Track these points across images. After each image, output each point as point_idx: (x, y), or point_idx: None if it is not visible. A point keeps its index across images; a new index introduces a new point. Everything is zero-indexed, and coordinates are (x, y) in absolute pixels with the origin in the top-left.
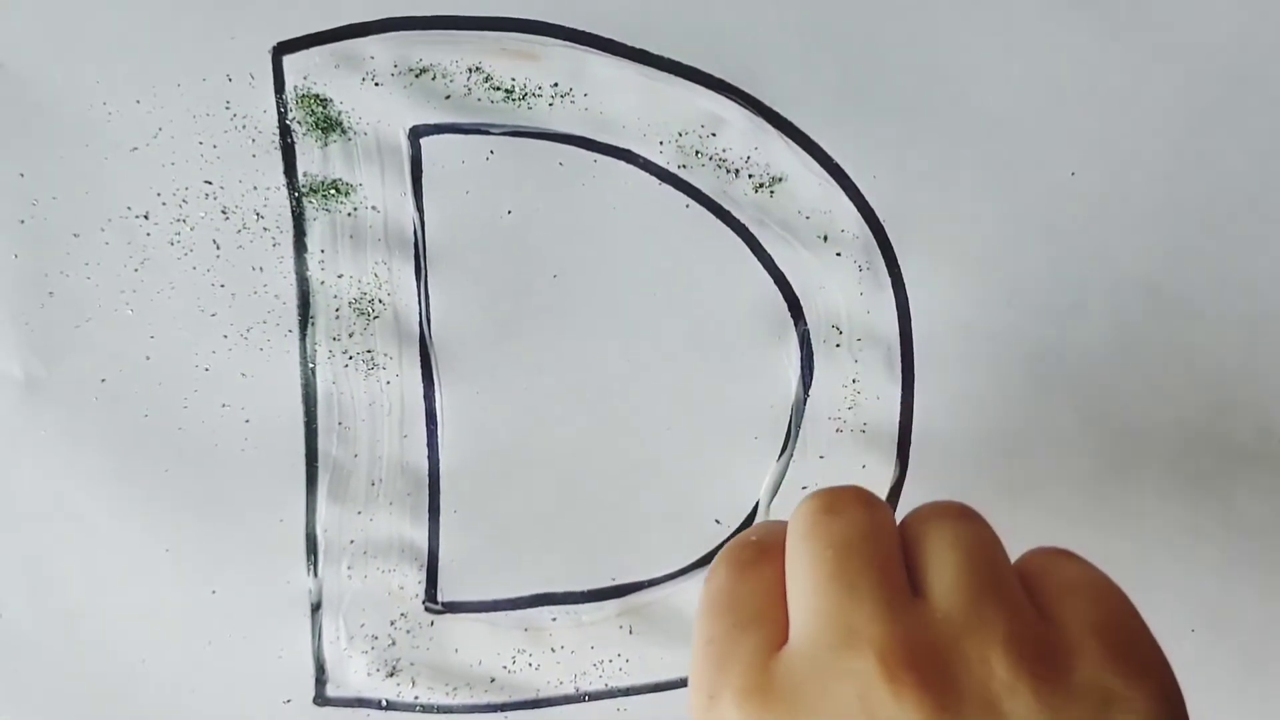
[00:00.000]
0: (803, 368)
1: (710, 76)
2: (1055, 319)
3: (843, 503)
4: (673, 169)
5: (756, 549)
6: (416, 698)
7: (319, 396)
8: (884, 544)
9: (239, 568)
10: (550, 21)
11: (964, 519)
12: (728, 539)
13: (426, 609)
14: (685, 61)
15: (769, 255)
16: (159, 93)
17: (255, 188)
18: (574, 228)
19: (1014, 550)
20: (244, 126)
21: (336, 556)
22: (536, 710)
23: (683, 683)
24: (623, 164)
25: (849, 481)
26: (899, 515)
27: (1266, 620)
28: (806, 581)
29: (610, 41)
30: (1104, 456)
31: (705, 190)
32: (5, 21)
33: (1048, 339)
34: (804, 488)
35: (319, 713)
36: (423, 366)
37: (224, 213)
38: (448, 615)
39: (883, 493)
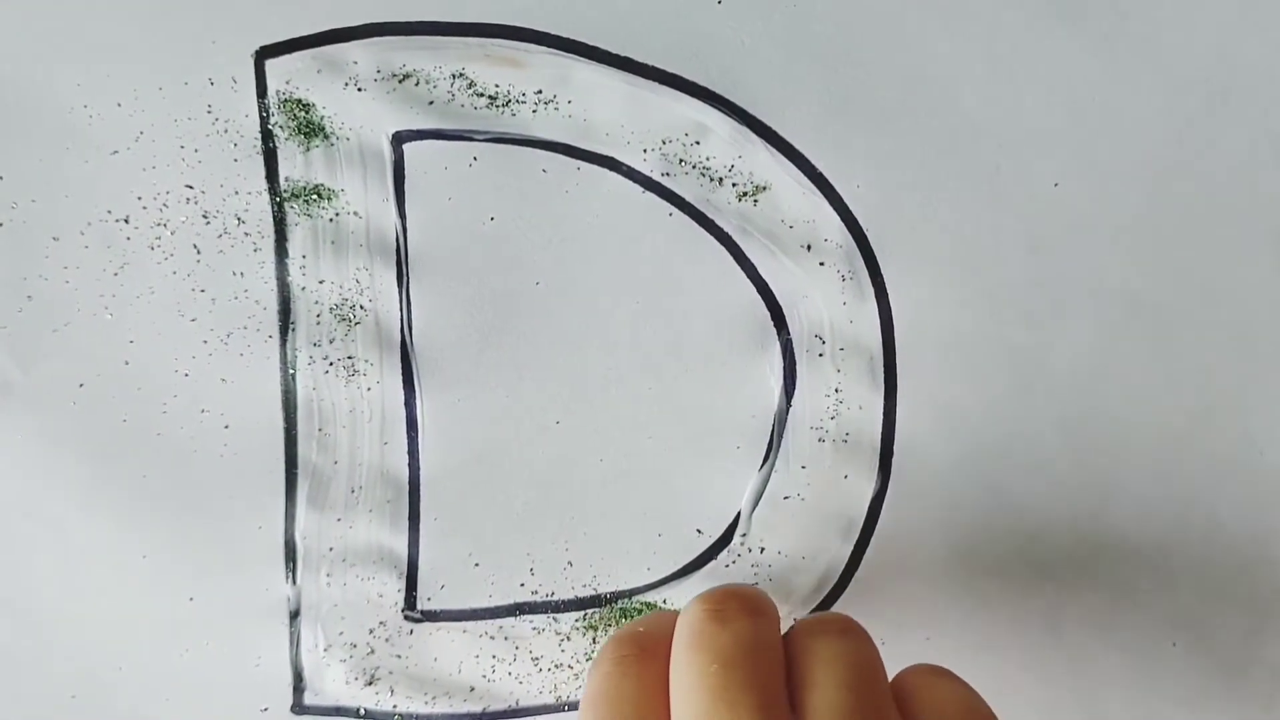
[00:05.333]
0: (785, 377)
1: (694, 84)
2: (1038, 328)
3: (731, 611)
4: (656, 177)
5: (639, 644)
6: (395, 706)
7: (299, 402)
8: (768, 660)
9: (217, 574)
10: (535, 28)
11: (847, 635)
12: (697, 558)
13: (406, 617)
14: (670, 69)
15: (752, 264)
16: (140, 96)
17: (237, 192)
18: (557, 235)
19: (988, 558)
20: (226, 131)
21: (315, 564)
22: None
23: None
24: (606, 171)
25: (830, 488)
26: (880, 530)
27: (1248, 635)
28: (690, 694)
29: (595, 49)
30: (1086, 467)
31: (689, 198)
32: None
33: (1030, 349)
34: (785, 497)
35: None
36: (404, 373)
37: (205, 217)
38: (427, 623)
39: (865, 502)
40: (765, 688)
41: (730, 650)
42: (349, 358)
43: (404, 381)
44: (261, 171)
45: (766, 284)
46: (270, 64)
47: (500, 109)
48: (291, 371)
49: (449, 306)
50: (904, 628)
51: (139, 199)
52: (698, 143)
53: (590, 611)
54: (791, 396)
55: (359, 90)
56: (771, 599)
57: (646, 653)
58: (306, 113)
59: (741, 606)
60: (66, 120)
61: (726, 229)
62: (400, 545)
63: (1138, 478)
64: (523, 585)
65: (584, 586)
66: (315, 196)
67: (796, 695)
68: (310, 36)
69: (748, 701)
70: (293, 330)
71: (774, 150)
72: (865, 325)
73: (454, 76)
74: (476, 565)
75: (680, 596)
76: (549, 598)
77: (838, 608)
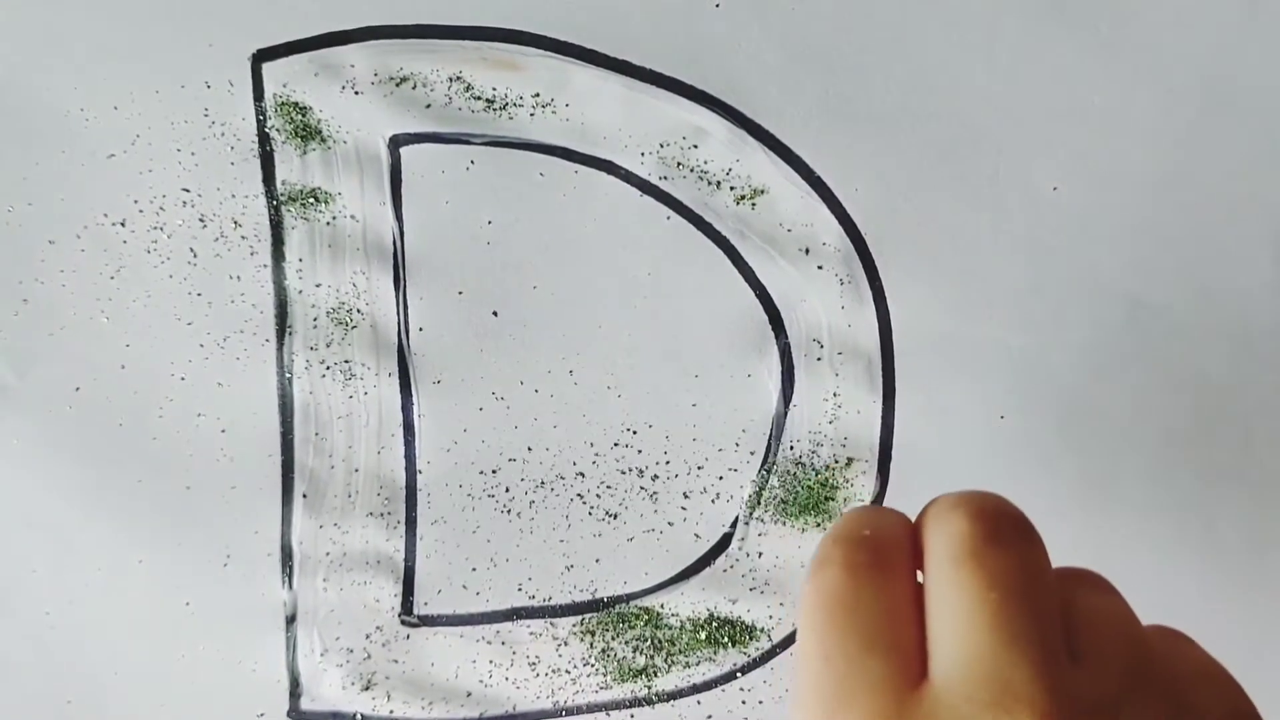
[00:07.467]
0: (783, 381)
1: (692, 88)
2: (1036, 333)
3: (1007, 532)
4: (654, 180)
5: (874, 550)
6: (392, 712)
7: (296, 407)
8: (1048, 593)
9: (213, 579)
10: (532, 31)
11: (1114, 594)
12: (694, 563)
13: (403, 622)
14: (667, 73)
15: (750, 268)
16: (137, 99)
17: (233, 195)
18: (554, 239)
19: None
20: (222, 134)
21: (312, 569)
22: None
23: (662, 698)
24: (604, 175)
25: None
26: None
27: (1246, 639)
28: (961, 621)
29: (592, 52)
30: (1084, 471)
31: (686, 202)
32: None
33: (1029, 353)
34: (784, 502)
35: None
36: (401, 377)
37: (201, 220)
38: (424, 628)
39: None
40: (1047, 624)
41: (1011, 577)
42: (346, 362)
43: (401, 386)
44: (258, 175)
45: (764, 287)
46: (267, 67)
47: (497, 112)
48: (288, 375)
49: (446, 310)
50: None
51: (135, 202)
52: (695, 146)
53: (588, 616)
54: (790, 401)
55: (356, 93)
56: None
57: (883, 559)
58: (303, 116)
59: (1017, 530)
60: (63, 123)
61: (724, 232)
62: (397, 550)
63: (1136, 484)
64: (520, 590)
65: (581, 591)
66: (312, 200)
67: (1067, 640)
68: (307, 39)
69: (1029, 637)
70: (290, 334)
71: (772, 153)
72: (863, 329)
73: (451, 80)
74: (473, 570)
75: (678, 601)
76: (546, 602)
77: None
